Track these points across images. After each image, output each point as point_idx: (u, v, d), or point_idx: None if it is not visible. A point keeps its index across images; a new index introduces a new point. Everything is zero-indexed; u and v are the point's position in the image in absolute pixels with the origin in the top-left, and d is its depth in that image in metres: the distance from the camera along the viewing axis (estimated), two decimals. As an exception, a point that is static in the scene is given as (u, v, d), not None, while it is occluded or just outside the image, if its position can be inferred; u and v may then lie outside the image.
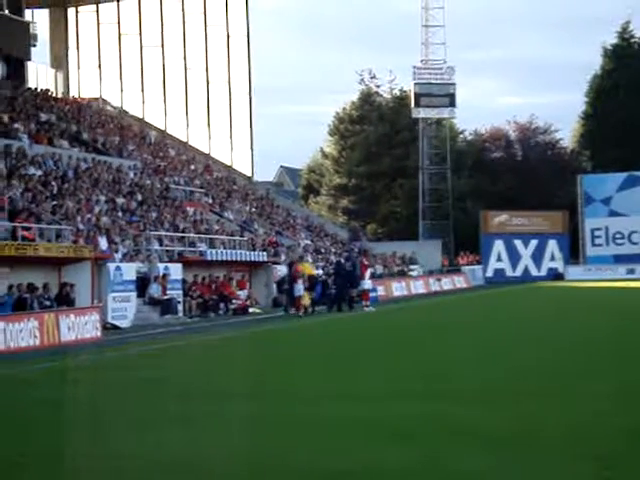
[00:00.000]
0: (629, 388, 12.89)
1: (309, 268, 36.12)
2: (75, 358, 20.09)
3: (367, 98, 78.26)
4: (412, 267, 56.82)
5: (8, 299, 25.16)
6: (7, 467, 9.20)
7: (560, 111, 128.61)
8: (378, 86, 78.95)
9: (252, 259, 39.90)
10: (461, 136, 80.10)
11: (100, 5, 62.05)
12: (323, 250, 50.87)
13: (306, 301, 34.23)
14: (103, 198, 36.50)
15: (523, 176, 73.39)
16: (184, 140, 62.21)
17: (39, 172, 35.25)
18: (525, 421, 10.61)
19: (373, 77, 78.59)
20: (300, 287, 33.80)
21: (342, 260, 39.29)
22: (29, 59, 54.97)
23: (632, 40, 77.06)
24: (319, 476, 8.44)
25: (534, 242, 65.09)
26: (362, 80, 78.38)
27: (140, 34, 61.89)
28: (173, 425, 11.17)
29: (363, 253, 43.79)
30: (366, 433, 10.20)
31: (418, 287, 51.43)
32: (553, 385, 13.44)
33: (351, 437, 10.01)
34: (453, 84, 69.68)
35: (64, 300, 26.84)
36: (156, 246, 34.87)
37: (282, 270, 39.54)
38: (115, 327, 28.50)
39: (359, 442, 9.73)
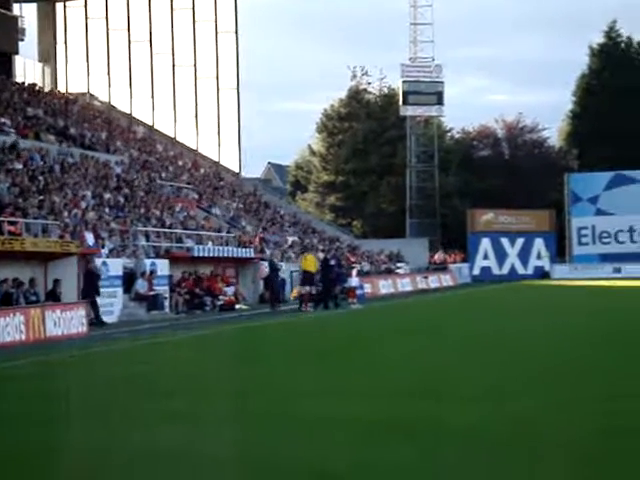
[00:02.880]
0: (609, 390, 12.98)
1: (310, 262, 35.20)
2: (61, 353, 20.06)
3: (355, 95, 78.29)
4: (399, 265, 56.90)
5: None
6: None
7: (548, 109, 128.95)
8: (369, 83, 79.09)
9: (239, 255, 39.88)
10: (449, 134, 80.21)
11: (88, 0, 61.93)
12: (310, 247, 50.83)
13: (294, 296, 34.24)
14: (90, 193, 36.42)
15: (510, 174, 73.53)
16: (172, 136, 62.12)
17: (26, 167, 35.15)
18: (508, 422, 10.69)
19: (365, 74, 78.74)
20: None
21: (328, 257, 39.25)
22: (17, 53, 54.84)
23: (619, 39, 77.39)
24: (305, 474, 8.45)
25: (521, 240, 65.28)
26: (354, 76, 78.48)
27: (128, 29, 61.75)
28: (159, 422, 11.17)
29: (349, 251, 43.80)
30: (354, 431, 10.18)
31: (405, 285, 51.52)
32: (535, 387, 13.52)
33: (338, 435, 9.99)
34: (441, 82, 69.79)
35: (52, 296, 26.84)
36: (143, 242, 34.83)
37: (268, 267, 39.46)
38: (101, 323, 28.44)
39: (346, 440, 9.72)
